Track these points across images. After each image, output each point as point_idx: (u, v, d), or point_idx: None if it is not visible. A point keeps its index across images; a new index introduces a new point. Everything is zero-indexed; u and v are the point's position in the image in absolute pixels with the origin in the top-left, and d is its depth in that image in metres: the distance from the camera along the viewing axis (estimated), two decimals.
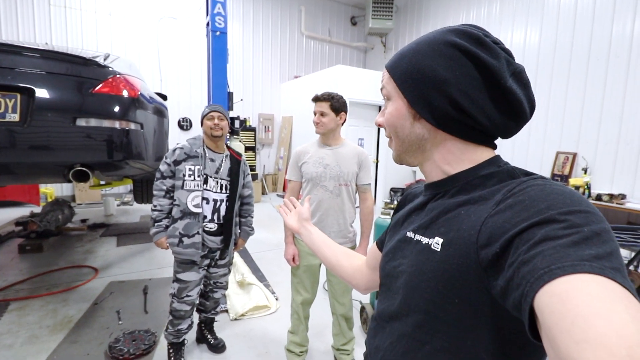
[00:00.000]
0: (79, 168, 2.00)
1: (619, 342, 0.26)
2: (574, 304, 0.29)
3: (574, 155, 4.46)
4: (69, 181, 2.06)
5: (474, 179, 0.52)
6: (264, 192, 7.36)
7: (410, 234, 0.57)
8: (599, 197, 3.96)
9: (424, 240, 0.52)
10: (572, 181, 4.21)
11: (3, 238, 3.96)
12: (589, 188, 4.07)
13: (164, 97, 3.26)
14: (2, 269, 3.18)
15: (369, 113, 6.48)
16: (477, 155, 0.53)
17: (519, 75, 0.50)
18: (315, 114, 1.74)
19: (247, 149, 6.97)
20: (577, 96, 4.43)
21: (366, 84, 6.10)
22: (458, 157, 0.54)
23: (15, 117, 1.80)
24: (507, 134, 0.53)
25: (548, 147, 4.78)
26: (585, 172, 4.30)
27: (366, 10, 7.41)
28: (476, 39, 0.50)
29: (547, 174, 4.71)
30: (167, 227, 1.90)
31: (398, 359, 0.54)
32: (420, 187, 0.66)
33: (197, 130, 6.92)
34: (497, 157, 0.54)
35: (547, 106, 4.75)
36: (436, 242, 0.49)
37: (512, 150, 5.17)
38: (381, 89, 0.62)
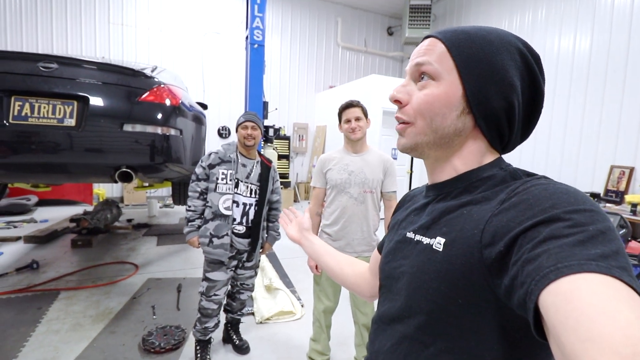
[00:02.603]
0: (124, 170, 2.17)
1: (624, 341, 0.26)
2: (579, 303, 0.29)
3: (631, 169, 4.07)
4: (115, 181, 2.24)
5: (476, 181, 0.51)
6: (296, 200, 7.46)
7: (410, 235, 0.56)
8: None
9: (425, 240, 0.52)
10: (629, 198, 3.83)
11: (59, 233, 4.36)
12: None
13: (205, 107, 3.45)
14: (56, 260, 3.49)
15: None
16: (489, 158, 0.53)
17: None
18: (349, 121, 1.74)
19: (281, 157, 7.13)
20: (635, 105, 4.06)
21: None
22: (477, 159, 0.53)
23: (72, 122, 2.01)
24: (510, 149, 0.56)
25: (601, 160, 4.40)
26: None
27: (403, 20, 7.37)
28: (538, 59, 0.51)
29: (599, 189, 4.33)
30: (199, 227, 2.00)
31: None
32: (420, 189, 0.65)
33: (235, 138, 7.21)
34: (500, 159, 0.54)
35: (600, 116, 4.39)
36: (438, 242, 0.49)
37: (560, 163, 4.83)
38: (418, 64, 0.52)
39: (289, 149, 7.59)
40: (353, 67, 8.42)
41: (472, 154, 0.53)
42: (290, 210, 1.00)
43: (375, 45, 8.54)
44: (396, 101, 0.54)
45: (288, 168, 7.62)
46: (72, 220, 4.63)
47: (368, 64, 8.54)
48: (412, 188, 6.10)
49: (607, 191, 4.24)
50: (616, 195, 4.13)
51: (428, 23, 7.01)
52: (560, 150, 4.85)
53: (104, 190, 6.49)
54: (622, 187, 4.10)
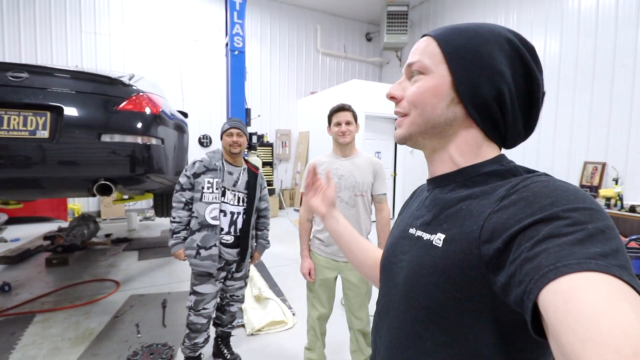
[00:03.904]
0: (103, 182, 2.07)
1: (624, 341, 0.26)
2: (578, 302, 0.29)
3: (603, 165, 4.26)
4: (93, 195, 2.13)
5: (475, 176, 0.52)
6: (281, 207, 7.38)
7: (412, 231, 0.57)
8: (632, 209, 3.74)
9: (425, 236, 0.52)
10: (603, 192, 4.01)
11: (32, 252, 4.12)
12: (621, 199, 3.85)
13: (185, 115, 3.37)
14: (30, 281, 3.29)
15: (386, 126, 6.46)
16: (489, 152, 0.54)
17: (543, 96, 0.52)
18: (339, 125, 1.73)
19: (264, 164, 7.05)
20: (603, 104, 4.27)
21: (382, 98, 6.09)
22: (473, 150, 0.53)
23: (45, 134, 1.90)
24: (512, 143, 0.55)
25: (575, 157, 4.59)
26: (616, 183, 4.09)
27: (381, 26, 7.50)
28: (531, 50, 0.51)
29: (574, 184, 4.51)
30: (185, 238, 1.92)
31: (399, 355, 0.53)
32: (425, 185, 0.66)
33: (216, 147, 7.09)
34: (502, 155, 0.54)
35: (572, 115, 4.59)
36: (438, 238, 0.49)
37: (536, 161, 5.00)
38: (410, 64, 0.56)
39: (272, 156, 7.52)
40: (333, 73, 8.50)
41: (468, 145, 0.53)
42: (314, 176, 0.88)
43: (354, 51, 8.65)
44: (392, 98, 0.58)
45: (272, 175, 7.54)
46: (46, 237, 4.40)
47: (348, 69, 8.63)
48: (396, 191, 6.16)
49: (581, 186, 4.42)
50: (591, 190, 4.30)
51: (405, 29, 7.17)
52: (536, 149, 5.02)
53: (79, 205, 6.21)
54: (595, 182, 4.28)
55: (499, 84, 0.49)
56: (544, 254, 0.34)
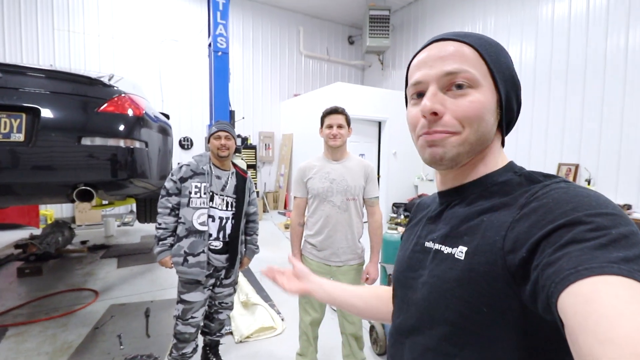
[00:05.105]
0: (83, 188, 1.98)
1: None
2: (598, 304, 0.29)
3: (576, 166, 4.46)
4: (73, 201, 2.03)
5: (492, 185, 0.51)
6: (265, 210, 7.31)
7: (429, 244, 0.55)
8: None
9: (446, 249, 0.51)
10: None
11: (2, 261, 3.88)
12: None
13: (167, 117, 3.28)
14: (0, 293, 3.09)
15: (369, 129, 6.52)
16: (503, 157, 0.55)
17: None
18: (331, 127, 1.71)
19: (248, 167, 6.96)
20: (576, 107, 4.47)
21: (365, 101, 6.17)
22: (495, 158, 0.54)
23: (20, 137, 1.79)
24: None
25: (550, 158, 4.78)
26: (588, 183, 4.29)
27: (363, 30, 7.58)
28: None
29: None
30: (171, 245, 1.86)
31: None
32: (433, 196, 0.64)
33: (197, 149, 6.94)
34: (512, 162, 0.54)
35: (547, 118, 4.79)
36: (460, 251, 0.48)
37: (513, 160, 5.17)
38: (452, 72, 0.49)
39: (255, 159, 7.44)
40: (316, 75, 8.50)
41: (493, 155, 0.54)
42: (272, 268, 0.84)
43: (337, 54, 8.69)
44: (434, 114, 0.50)
45: (255, 178, 7.46)
46: (17, 246, 4.16)
47: (331, 72, 8.67)
48: (380, 192, 6.16)
49: None
50: None
51: (387, 33, 7.27)
52: (513, 151, 5.20)
53: (52, 210, 5.91)
54: None
55: (520, 96, 0.54)
56: (565, 258, 0.34)
